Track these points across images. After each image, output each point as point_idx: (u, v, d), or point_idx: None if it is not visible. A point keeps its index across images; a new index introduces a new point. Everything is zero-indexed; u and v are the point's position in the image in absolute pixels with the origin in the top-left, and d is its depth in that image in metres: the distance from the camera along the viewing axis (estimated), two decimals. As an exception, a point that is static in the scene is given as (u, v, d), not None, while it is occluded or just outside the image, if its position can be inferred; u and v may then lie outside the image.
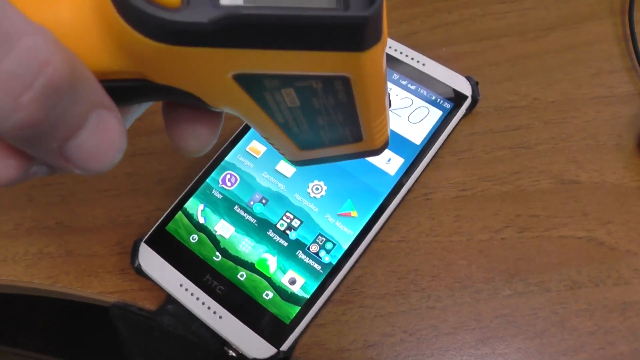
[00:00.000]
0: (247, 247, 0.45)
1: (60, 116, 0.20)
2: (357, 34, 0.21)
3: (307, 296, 0.43)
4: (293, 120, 0.25)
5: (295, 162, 0.29)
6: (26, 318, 0.77)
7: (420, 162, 0.47)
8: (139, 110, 0.28)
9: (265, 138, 0.27)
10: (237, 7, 0.20)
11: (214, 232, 0.45)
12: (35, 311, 0.75)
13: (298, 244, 0.44)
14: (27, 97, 0.18)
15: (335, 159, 0.29)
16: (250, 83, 0.23)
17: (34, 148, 0.21)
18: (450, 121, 0.48)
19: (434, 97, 0.49)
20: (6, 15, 0.18)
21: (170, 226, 0.46)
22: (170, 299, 0.44)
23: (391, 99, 0.27)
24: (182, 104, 0.26)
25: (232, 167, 0.47)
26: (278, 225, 0.45)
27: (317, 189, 0.46)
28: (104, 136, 0.22)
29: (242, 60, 0.21)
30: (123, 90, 0.23)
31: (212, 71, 0.22)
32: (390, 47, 0.52)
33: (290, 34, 0.21)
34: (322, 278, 0.43)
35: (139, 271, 0.45)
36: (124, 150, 0.23)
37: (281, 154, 0.28)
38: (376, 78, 0.23)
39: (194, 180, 0.47)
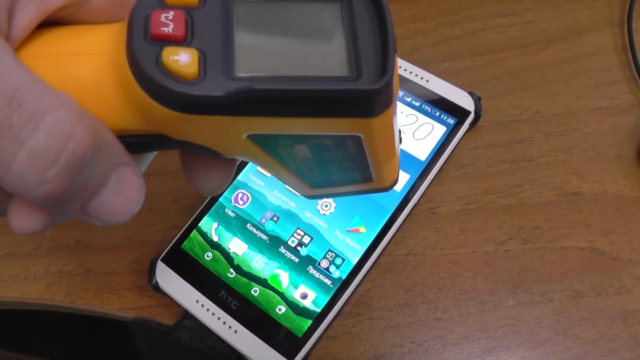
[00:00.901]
0: (260, 263, 0.46)
1: (83, 182, 0.21)
2: (368, 105, 0.22)
3: (319, 310, 0.44)
4: (305, 167, 0.26)
5: (306, 197, 0.30)
6: (47, 329, 0.79)
7: (426, 177, 0.48)
8: (154, 153, 0.30)
9: (276, 177, 0.28)
10: (252, 79, 0.21)
11: (227, 250, 0.47)
12: (56, 323, 0.77)
13: (309, 260, 0.46)
14: (52, 172, 0.20)
15: (345, 195, 0.30)
16: (264, 141, 0.23)
17: (57, 209, 0.22)
18: (454, 137, 0.49)
19: (437, 113, 0.50)
20: (32, 92, 0.19)
21: (186, 244, 0.47)
22: (187, 315, 0.46)
23: (401, 132, 0.28)
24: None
25: (244, 185, 0.49)
26: (289, 242, 0.47)
27: (326, 206, 0.48)
28: (124, 192, 0.23)
29: (257, 125, 0.22)
30: (141, 144, 0.24)
31: (227, 133, 0.23)
32: (394, 64, 0.53)
33: (303, 104, 0.21)
34: (332, 292, 0.45)
35: (157, 288, 0.46)
36: (142, 202, 0.24)
37: (292, 189, 0.29)
38: (387, 134, 0.24)
39: (207, 200, 0.49)
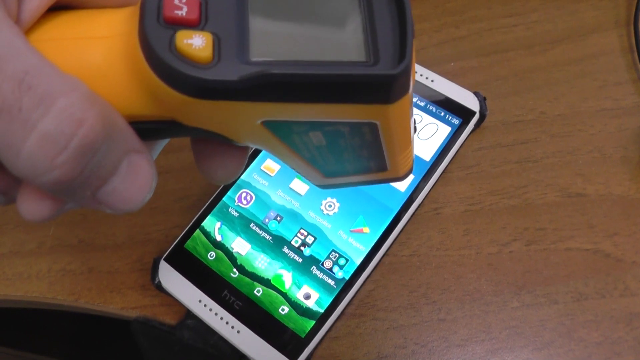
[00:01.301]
0: (263, 263, 0.46)
1: (93, 168, 0.21)
2: (385, 91, 0.21)
3: (322, 310, 0.44)
4: (319, 155, 0.26)
5: (319, 186, 0.30)
6: (50, 327, 0.79)
7: (430, 178, 0.48)
8: (165, 140, 0.29)
9: (289, 167, 0.28)
10: (267, 63, 0.21)
11: (231, 250, 0.47)
12: (59, 321, 0.77)
13: (312, 260, 0.46)
14: (62, 157, 0.19)
15: (359, 184, 0.30)
16: (278, 128, 0.23)
17: (68, 196, 0.22)
18: (458, 137, 0.49)
19: (442, 114, 0.50)
20: (43, 75, 0.19)
21: (189, 244, 0.47)
22: (189, 314, 0.46)
23: (415, 122, 0.28)
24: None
25: (248, 185, 0.49)
26: (293, 242, 0.47)
27: (330, 206, 0.48)
28: (135, 179, 0.23)
29: (271, 110, 0.22)
30: (153, 130, 0.24)
31: (241, 119, 0.22)
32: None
33: (319, 89, 0.21)
34: (335, 293, 0.45)
35: (159, 288, 0.46)
36: (154, 189, 0.24)
37: (305, 178, 0.29)
38: (403, 121, 0.24)
39: (211, 199, 0.49)
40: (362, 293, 0.46)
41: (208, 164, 0.27)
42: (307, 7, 0.23)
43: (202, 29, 0.21)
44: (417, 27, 0.58)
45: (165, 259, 0.47)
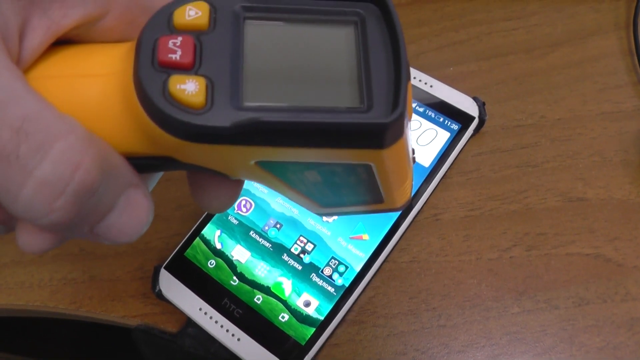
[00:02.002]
0: (262, 271, 0.46)
1: (91, 208, 0.21)
2: (378, 138, 0.21)
3: (322, 318, 0.44)
4: (315, 189, 0.26)
5: (316, 214, 0.30)
6: (53, 334, 0.79)
7: (430, 184, 0.48)
8: (161, 173, 0.29)
9: (285, 197, 0.28)
10: (260, 109, 0.21)
11: (230, 257, 0.47)
12: (62, 328, 0.77)
13: (312, 268, 0.46)
14: (60, 202, 0.20)
15: (357, 214, 0.30)
16: (273, 167, 0.23)
17: (65, 232, 0.22)
18: (458, 142, 0.49)
19: (441, 119, 0.50)
20: (40, 120, 0.19)
21: (189, 252, 0.47)
22: (190, 322, 0.46)
23: (414, 151, 0.28)
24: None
25: (247, 192, 0.49)
26: (292, 250, 0.47)
27: (329, 213, 0.48)
28: (132, 213, 0.23)
29: (265, 153, 0.22)
30: (149, 165, 0.24)
31: (235, 159, 0.23)
32: (398, 70, 0.53)
33: (312, 136, 0.21)
34: (335, 300, 0.45)
35: (160, 296, 0.46)
36: (150, 221, 0.24)
37: (302, 207, 0.29)
38: (399, 162, 0.24)
39: (211, 207, 0.49)
40: (362, 300, 0.46)
41: (202, 195, 0.27)
42: (304, 48, 0.23)
43: (196, 73, 0.21)
44: (417, 31, 0.58)
45: (165, 267, 0.47)
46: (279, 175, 0.24)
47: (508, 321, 0.45)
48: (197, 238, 0.48)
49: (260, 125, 0.20)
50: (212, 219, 0.48)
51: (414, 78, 0.52)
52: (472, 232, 0.48)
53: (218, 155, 0.22)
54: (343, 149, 0.22)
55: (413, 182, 0.29)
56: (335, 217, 0.47)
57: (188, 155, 0.23)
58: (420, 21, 0.59)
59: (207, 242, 0.47)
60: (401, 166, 0.25)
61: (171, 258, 0.47)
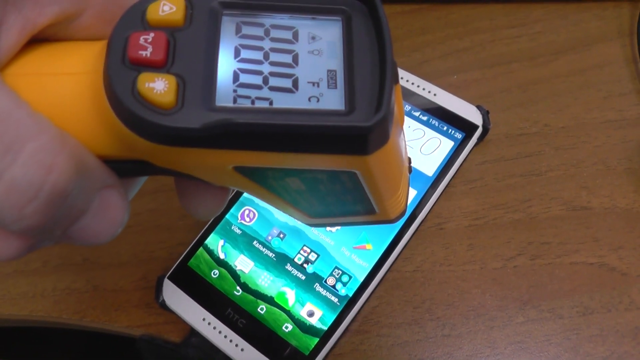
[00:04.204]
0: (266, 281, 0.46)
1: (64, 211, 0.20)
2: (360, 143, 0.20)
3: (325, 328, 0.44)
4: (301, 198, 0.25)
5: (308, 225, 0.29)
6: (57, 344, 0.79)
7: (433, 193, 0.48)
8: (145, 177, 0.29)
9: (273, 207, 0.27)
10: (233, 110, 0.20)
11: (234, 267, 0.47)
12: (66, 338, 0.77)
13: (315, 277, 0.46)
14: (32, 207, 0.19)
15: (350, 225, 0.29)
16: (251, 173, 0.22)
17: (37, 237, 0.22)
18: (462, 151, 0.49)
19: (445, 128, 0.50)
20: (12, 120, 0.19)
21: (192, 262, 0.47)
22: (194, 332, 0.46)
23: (410, 161, 0.26)
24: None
25: (250, 202, 0.49)
26: (296, 259, 0.47)
27: (332, 222, 0.47)
28: (107, 215, 0.22)
29: (241, 158, 0.21)
30: (125, 169, 0.23)
31: (211, 164, 0.22)
32: (402, 78, 0.53)
33: (288, 140, 0.20)
34: (339, 310, 0.45)
35: (164, 306, 0.46)
36: (126, 222, 0.23)
37: (291, 217, 0.28)
38: (387, 169, 0.23)
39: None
40: (366, 309, 0.46)
41: (189, 201, 0.27)
42: (285, 45, 0.22)
43: (168, 71, 0.20)
44: (420, 39, 0.58)
45: (169, 278, 0.47)
46: (260, 183, 0.23)
47: (512, 331, 0.45)
48: (201, 248, 0.48)
49: (231, 127, 0.19)
50: (216, 229, 0.48)
51: (417, 86, 0.52)
52: (476, 242, 0.48)
53: (192, 159, 0.21)
54: (323, 155, 0.21)
55: (408, 193, 0.28)
56: (338, 227, 0.47)
57: (162, 159, 0.22)
58: (423, 29, 0.59)
59: (210, 252, 0.47)
60: (391, 174, 0.24)
61: (175, 268, 0.47)
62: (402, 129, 0.24)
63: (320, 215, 0.27)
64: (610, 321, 0.45)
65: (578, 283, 0.46)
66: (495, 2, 0.59)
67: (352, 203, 0.25)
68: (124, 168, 0.23)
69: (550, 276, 0.46)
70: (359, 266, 0.46)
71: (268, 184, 0.23)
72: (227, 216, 0.48)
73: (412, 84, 0.52)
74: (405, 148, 0.26)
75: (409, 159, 0.27)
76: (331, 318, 0.45)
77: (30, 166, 0.19)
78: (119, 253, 0.50)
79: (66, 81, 0.21)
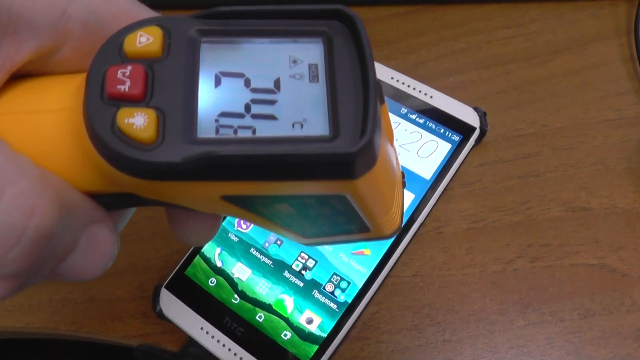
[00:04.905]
0: (264, 288, 0.46)
1: (50, 252, 0.20)
2: (346, 169, 0.20)
3: (325, 335, 0.44)
4: (292, 222, 0.24)
5: (304, 245, 0.28)
6: (55, 354, 0.79)
7: (431, 196, 0.47)
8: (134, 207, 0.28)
9: (268, 230, 0.26)
10: (215, 142, 0.20)
11: (231, 275, 0.46)
12: (63, 348, 0.77)
13: (314, 284, 0.45)
14: (14, 253, 0.19)
15: (345, 243, 0.28)
16: (240, 201, 0.22)
17: (25, 279, 0.21)
18: (459, 154, 0.49)
19: (442, 130, 0.50)
20: None
21: (189, 270, 0.47)
22: (192, 341, 0.45)
23: (404, 176, 0.26)
24: None
25: (247, 209, 0.48)
26: (293, 266, 0.46)
27: (330, 228, 0.47)
28: (95, 251, 0.22)
29: (227, 188, 0.20)
30: (112, 203, 0.22)
31: (198, 195, 0.21)
32: (398, 81, 0.52)
33: (272, 169, 0.20)
34: (338, 316, 0.44)
35: (161, 315, 0.46)
36: (115, 256, 0.23)
37: (286, 239, 0.27)
38: (377, 190, 0.22)
39: (210, 224, 0.48)
40: (365, 316, 0.46)
41: (181, 229, 0.26)
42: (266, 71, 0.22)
43: (147, 105, 0.20)
44: (415, 41, 0.58)
45: (166, 287, 0.46)
46: (250, 210, 0.23)
47: (514, 334, 0.44)
48: (197, 256, 0.47)
49: (214, 160, 0.19)
50: (212, 237, 0.48)
51: (414, 89, 0.52)
52: (475, 245, 0.47)
53: (179, 192, 0.21)
54: (310, 181, 0.20)
55: (404, 208, 0.27)
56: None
57: (148, 192, 0.21)
58: (419, 31, 0.58)
59: (207, 260, 0.47)
60: (382, 194, 0.23)
61: (171, 277, 0.47)
62: (392, 146, 0.24)
63: (314, 236, 0.26)
64: (612, 323, 0.44)
65: (579, 285, 0.45)
66: (491, 3, 0.59)
67: (345, 223, 0.24)
68: (111, 202, 0.22)
69: (550, 279, 0.46)
70: (358, 272, 0.45)
71: (258, 210, 0.23)
72: (223, 223, 0.48)
73: (408, 86, 0.52)
74: (398, 164, 0.26)
75: (403, 174, 0.26)
76: (330, 325, 0.44)
77: (10, 212, 0.18)
78: (115, 262, 0.49)
79: (46, 119, 0.21)
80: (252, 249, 0.47)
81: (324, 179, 0.20)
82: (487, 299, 0.46)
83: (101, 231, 0.22)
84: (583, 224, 0.48)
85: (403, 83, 0.52)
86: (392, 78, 0.53)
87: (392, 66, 0.54)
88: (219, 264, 0.47)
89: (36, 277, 0.21)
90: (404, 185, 0.26)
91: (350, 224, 0.25)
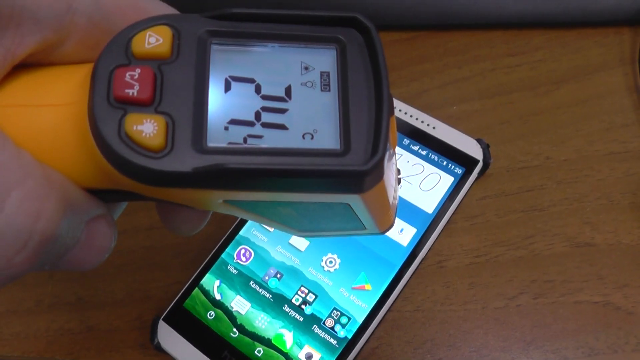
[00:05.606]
0: (263, 322, 0.45)
1: (53, 251, 0.20)
2: (355, 185, 0.20)
3: (324, 371, 0.43)
4: (291, 219, 0.24)
5: (296, 235, 0.28)
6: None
7: (433, 230, 0.47)
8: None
9: (263, 225, 0.26)
10: (225, 151, 0.19)
11: (230, 309, 0.46)
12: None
13: (313, 319, 0.45)
14: (21, 256, 0.18)
15: (339, 236, 0.28)
16: (243, 205, 0.22)
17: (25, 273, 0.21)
18: (462, 187, 0.48)
19: (445, 163, 0.49)
20: None
21: (188, 303, 0.46)
22: (189, 375, 0.45)
23: (400, 171, 0.26)
24: None
25: (247, 241, 0.48)
26: (293, 300, 0.46)
27: (330, 262, 0.46)
28: (94, 246, 0.22)
29: (233, 195, 0.20)
30: (111, 198, 0.22)
31: (201, 199, 0.21)
32: (400, 111, 0.52)
33: (282, 182, 0.20)
34: (338, 352, 0.44)
35: (159, 348, 0.45)
36: (113, 247, 0.23)
37: (280, 231, 0.27)
38: (378, 200, 0.22)
39: (210, 255, 0.48)
40: (366, 351, 0.45)
41: (171, 219, 0.26)
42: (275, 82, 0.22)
43: (156, 110, 0.19)
44: (418, 68, 0.57)
45: (164, 319, 0.46)
46: (251, 210, 0.23)
47: (516, 373, 0.44)
48: (196, 288, 0.47)
49: (223, 172, 0.19)
50: (212, 269, 0.47)
51: (416, 119, 0.51)
52: (477, 280, 0.47)
53: (182, 195, 0.21)
54: (317, 194, 0.20)
55: (397, 204, 0.27)
56: (336, 267, 0.46)
57: (150, 192, 0.21)
58: (422, 57, 0.58)
59: (206, 293, 0.46)
60: (381, 202, 0.23)
61: (170, 309, 0.46)
62: (394, 151, 0.24)
63: (309, 230, 0.26)
64: (616, 363, 0.44)
65: (582, 323, 0.45)
66: (494, 29, 0.59)
67: (342, 222, 0.25)
68: (110, 197, 0.22)
69: (554, 315, 0.45)
70: (358, 307, 0.45)
71: (259, 211, 0.23)
72: (222, 256, 0.47)
73: (411, 116, 0.51)
74: (396, 165, 0.25)
75: (398, 171, 0.26)
76: (330, 361, 0.44)
77: (17, 216, 0.18)
78: (114, 292, 0.49)
79: (49, 113, 0.21)
80: (251, 282, 0.46)
81: (331, 193, 0.20)
82: (489, 335, 0.45)
83: (101, 226, 0.22)
84: (587, 259, 0.47)
85: (406, 113, 0.52)
86: (395, 107, 0.52)
87: (396, 95, 0.53)
88: (217, 296, 0.46)
89: (35, 270, 0.21)
90: (399, 183, 0.26)
91: (347, 223, 0.25)
